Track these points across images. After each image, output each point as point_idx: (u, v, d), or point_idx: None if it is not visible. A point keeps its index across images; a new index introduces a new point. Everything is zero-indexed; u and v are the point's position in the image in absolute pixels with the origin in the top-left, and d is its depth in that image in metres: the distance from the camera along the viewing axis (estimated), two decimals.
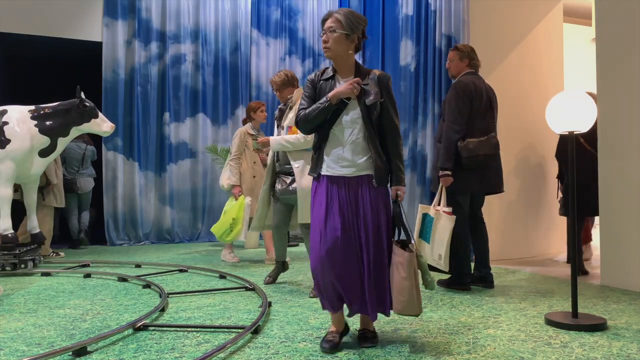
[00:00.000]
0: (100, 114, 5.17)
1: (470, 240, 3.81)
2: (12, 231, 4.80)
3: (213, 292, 3.71)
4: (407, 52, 6.15)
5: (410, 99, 6.03)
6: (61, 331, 2.71)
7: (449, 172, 3.59)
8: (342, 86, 2.37)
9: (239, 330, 2.61)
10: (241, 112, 7.69)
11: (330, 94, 2.36)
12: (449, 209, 3.52)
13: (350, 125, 2.39)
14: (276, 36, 8.00)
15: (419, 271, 2.35)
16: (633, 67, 3.76)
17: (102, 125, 5.14)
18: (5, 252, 4.71)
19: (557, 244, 5.80)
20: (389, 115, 2.42)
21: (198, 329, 2.72)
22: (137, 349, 2.38)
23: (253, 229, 4.13)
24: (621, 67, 3.85)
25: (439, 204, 3.58)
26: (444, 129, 3.68)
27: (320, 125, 2.43)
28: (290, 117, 3.71)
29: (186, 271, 4.68)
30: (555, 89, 5.54)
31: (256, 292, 3.61)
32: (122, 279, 4.21)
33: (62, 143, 5.11)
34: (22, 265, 4.74)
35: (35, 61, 8.58)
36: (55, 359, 2.24)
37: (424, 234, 3.64)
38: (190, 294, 3.66)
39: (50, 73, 9.00)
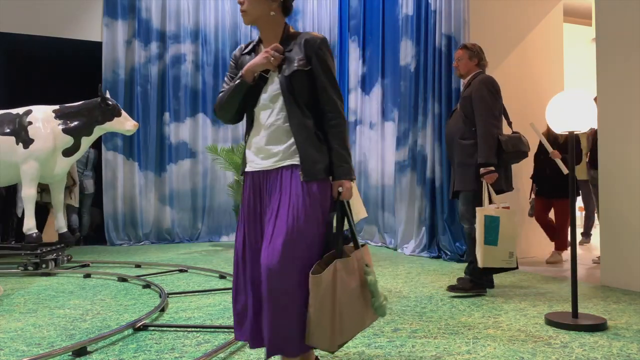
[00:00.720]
0: (123, 112, 5.16)
1: None
2: (36, 231, 4.80)
3: (213, 292, 3.71)
4: (407, 52, 6.15)
5: (410, 99, 6.02)
6: (61, 331, 2.71)
7: (493, 168, 3.43)
8: (256, 57, 1.86)
9: None
10: None
11: (243, 69, 1.86)
12: (507, 204, 3.45)
13: (269, 105, 1.87)
14: None
15: (370, 293, 1.84)
16: (633, 67, 3.76)
17: (125, 123, 5.12)
18: (28, 252, 4.70)
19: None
20: (323, 88, 1.85)
21: (198, 329, 2.72)
22: (137, 349, 2.38)
23: None
24: (621, 67, 3.85)
25: (490, 203, 3.47)
26: (482, 124, 3.49)
27: (239, 110, 1.95)
28: None
29: (186, 271, 4.68)
30: (555, 89, 5.54)
31: None
32: (122, 279, 4.21)
33: (86, 142, 5.09)
34: (44, 265, 4.69)
35: (35, 61, 8.58)
36: (55, 359, 2.24)
37: (490, 238, 3.44)
38: (190, 294, 3.66)
39: (50, 73, 8.99)
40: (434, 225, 5.64)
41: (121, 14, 7.14)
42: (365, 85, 7.42)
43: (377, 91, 7.05)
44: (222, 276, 4.34)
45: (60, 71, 8.85)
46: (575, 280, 2.84)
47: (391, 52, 6.75)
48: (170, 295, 3.57)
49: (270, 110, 1.87)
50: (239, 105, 1.92)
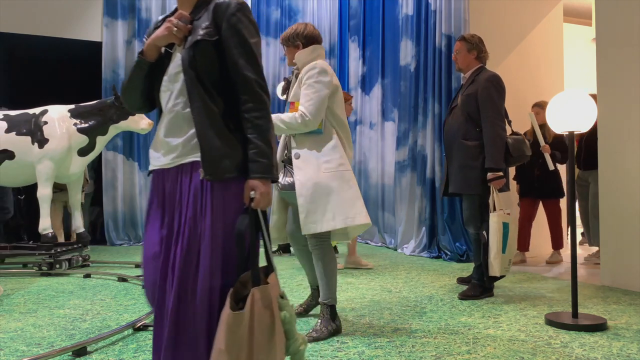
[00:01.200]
0: None
1: None
2: (52, 230, 4.80)
3: None
4: (407, 52, 6.14)
5: (410, 99, 6.02)
6: (61, 331, 2.71)
7: (502, 173, 3.34)
8: (158, 29, 1.54)
9: None
10: None
11: (145, 44, 1.56)
12: (508, 210, 3.39)
13: (169, 87, 1.52)
14: (276, 36, 8.00)
15: (283, 334, 1.44)
16: (633, 67, 3.76)
17: (140, 122, 5.07)
18: (43, 252, 4.70)
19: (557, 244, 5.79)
20: (234, 63, 1.46)
21: None
22: (137, 349, 2.38)
23: (273, 241, 3.07)
24: (621, 67, 3.85)
25: (497, 209, 3.36)
26: (490, 127, 3.37)
27: (145, 94, 1.61)
28: (295, 90, 2.77)
29: None
30: (555, 89, 5.55)
31: None
32: (122, 279, 4.21)
33: (101, 142, 5.07)
34: (57, 266, 4.65)
35: (35, 61, 8.57)
36: (55, 359, 2.24)
37: (503, 246, 3.34)
38: None
39: (50, 73, 8.99)
40: (434, 225, 5.64)
41: (121, 14, 7.14)
42: (365, 85, 7.42)
43: (377, 91, 7.05)
44: None
45: (60, 71, 8.85)
46: (575, 280, 2.84)
47: (391, 52, 6.75)
48: None
49: (169, 93, 1.51)
50: (143, 87, 1.58)
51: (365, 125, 7.34)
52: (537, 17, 5.67)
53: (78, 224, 5.10)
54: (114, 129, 5.07)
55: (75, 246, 5.02)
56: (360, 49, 7.52)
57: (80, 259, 5.05)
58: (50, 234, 4.77)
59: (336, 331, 2.62)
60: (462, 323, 2.81)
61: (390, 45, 6.80)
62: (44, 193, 4.79)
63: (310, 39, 2.77)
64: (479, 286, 3.45)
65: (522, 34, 5.56)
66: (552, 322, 2.74)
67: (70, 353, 2.29)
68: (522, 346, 2.40)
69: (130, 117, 5.03)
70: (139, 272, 4.65)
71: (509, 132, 3.58)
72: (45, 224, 4.78)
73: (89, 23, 7.05)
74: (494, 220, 3.31)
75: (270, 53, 7.98)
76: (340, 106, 2.71)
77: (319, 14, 8.17)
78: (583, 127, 2.82)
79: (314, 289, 3.01)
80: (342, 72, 7.85)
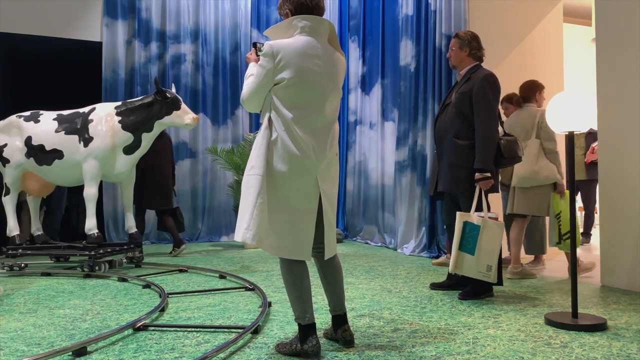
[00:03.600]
0: (183, 105, 4.93)
1: None
2: (97, 231, 4.70)
3: (213, 292, 3.71)
4: (407, 52, 6.15)
5: (410, 99, 6.02)
6: (61, 331, 2.71)
7: (489, 174, 3.30)
8: None
9: (239, 330, 2.61)
10: (241, 112, 7.70)
11: None
12: (495, 215, 3.31)
13: None
14: None
15: None
16: (633, 67, 3.76)
17: (184, 117, 4.89)
18: (85, 253, 4.61)
19: None
20: None
21: (198, 329, 2.72)
22: (137, 349, 2.38)
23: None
24: (621, 67, 3.85)
25: (478, 210, 3.34)
26: (483, 127, 3.32)
27: None
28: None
29: (186, 271, 4.68)
30: (555, 89, 5.54)
31: (256, 292, 3.61)
32: (122, 279, 4.21)
33: (147, 139, 4.91)
34: (97, 268, 4.52)
35: (35, 61, 8.57)
36: (55, 359, 2.24)
37: (466, 245, 3.33)
38: (190, 294, 3.66)
39: (50, 73, 8.99)
40: (434, 225, 5.64)
41: (121, 14, 7.14)
42: (365, 85, 7.42)
43: (377, 91, 7.05)
44: (222, 276, 4.34)
45: (60, 71, 8.85)
46: (575, 280, 2.84)
47: (391, 52, 6.75)
48: (170, 295, 3.57)
49: None
50: None
51: (365, 125, 7.34)
52: (537, 17, 5.67)
53: (130, 224, 4.99)
54: (159, 125, 4.90)
55: (125, 247, 4.91)
56: (360, 49, 7.52)
57: (124, 260, 4.95)
58: (95, 234, 4.66)
59: (299, 354, 2.24)
60: (462, 323, 2.81)
61: (390, 45, 6.80)
62: (90, 192, 4.69)
63: (299, 5, 2.28)
64: (479, 286, 3.45)
65: (522, 34, 5.56)
66: (552, 322, 2.74)
67: (70, 353, 2.29)
68: (522, 346, 2.40)
69: (175, 112, 4.86)
70: (139, 272, 4.65)
71: (501, 133, 3.52)
72: (90, 224, 4.67)
73: (89, 23, 7.05)
74: (458, 219, 3.35)
75: None
76: (299, 94, 2.20)
77: None
78: (583, 127, 2.82)
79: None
80: None
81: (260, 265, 5.06)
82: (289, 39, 2.25)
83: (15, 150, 4.97)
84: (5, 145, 5.02)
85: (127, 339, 2.54)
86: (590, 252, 5.93)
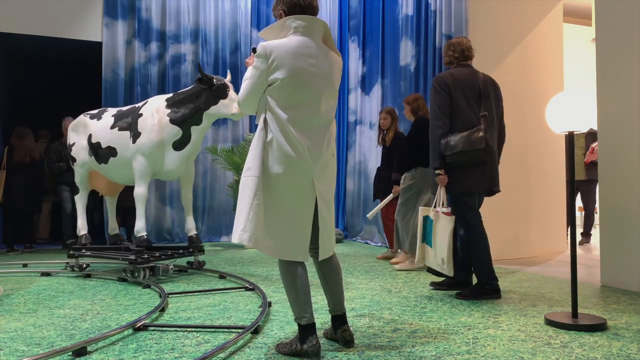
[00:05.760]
0: (231, 93, 4.36)
1: (488, 241, 3.46)
2: (145, 233, 4.38)
3: (213, 292, 3.71)
4: (407, 52, 6.15)
5: None
6: (61, 331, 2.71)
7: (440, 172, 3.40)
8: None
9: (239, 330, 2.61)
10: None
11: None
12: (448, 209, 3.42)
13: None
14: None
15: None
16: (633, 67, 3.76)
17: (231, 106, 4.31)
18: (126, 258, 4.21)
19: (557, 244, 5.80)
20: None
21: (198, 329, 2.72)
22: (137, 349, 2.38)
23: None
24: (621, 67, 3.85)
25: (437, 205, 3.49)
26: (430, 126, 3.49)
27: None
28: None
29: (186, 271, 4.68)
30: (555, 89, 5.54)
31: (256, 292, 3.61)
32: (122, 279, 4.21)
33: (198, 132, 4.41)
34: (136, 274, 4.13)
35: (35, 61, 8.58)
36: (55, 359, 2.24)
37: (427, 237, 3.58)
38: (190, 294, 3.66)
39: (51, 73, 9.00)
40: None
41: (121, 14, 7.14)
42: (365, 85, 7.42)
43: (377, 91, 7.05)
44: (222, 276, 4.34)
45: (60, 71, 8.85)
46: (575, 280, 2.84)
47: (391, 52, 6.75)
48: (170, 295, 3.57)
49: None
50: None
51: (365, 125, 7.34)
52: (537, 17, 5.67)
53: (190, 226, 4.60)
54: (207, 117, 4.38)
55: (182, 251, 4.56)
56: (360, 49, 7.52)
57: (171, 267, 4.44)
58: (144, 237, 4.34)
59: (299, 354, 2.24)
60: (462, 323, 2.81)
61: (390, 45, 6.80)
62: (138, 192, 4.36)
63: (293, 6, 2.28)
64: (480, 287, 3.44)
65: (522, 34, 5.56)
66: (552, 322, 2.74)
67: (70, 353, 2.29)
68: (522, 346, 2.40)
69: (221, 101, 4.31)
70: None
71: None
72: (139, 226, 4.36)
73: (89, 23, 7.05)
74: (420, 213, 3.70)
75: None
76: (293, 94, 2.19)
77: (319, 14, 8.17)
78: (583, 127, 2.82)
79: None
80: (342, 72, 7.85)
81: (260, 265, 5.06)
82: (282, 39, 2.25)
83: (81, 148, 4.84)
84: (74, 144, 4.91)
85: (127, 339, 2.54)
86: (590, 252, 5.93)
